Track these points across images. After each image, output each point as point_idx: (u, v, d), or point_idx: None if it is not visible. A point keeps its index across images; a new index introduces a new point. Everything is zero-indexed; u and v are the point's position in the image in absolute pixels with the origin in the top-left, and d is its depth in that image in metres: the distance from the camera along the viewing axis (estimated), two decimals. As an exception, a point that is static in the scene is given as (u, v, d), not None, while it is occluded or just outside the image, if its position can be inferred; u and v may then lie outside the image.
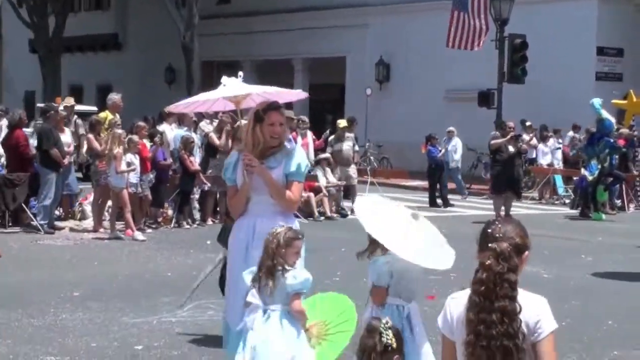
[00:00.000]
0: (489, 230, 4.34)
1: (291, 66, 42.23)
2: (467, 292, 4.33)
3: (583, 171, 23.34)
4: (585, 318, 10.67)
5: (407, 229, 5.96)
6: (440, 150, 25.77)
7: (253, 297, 6.37)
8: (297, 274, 6.28)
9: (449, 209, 24.47)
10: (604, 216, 22.90)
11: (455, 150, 27.52)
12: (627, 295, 12.60)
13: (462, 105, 33.46)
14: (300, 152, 7.19)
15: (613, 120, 22.98)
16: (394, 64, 38.47)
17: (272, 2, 42.13)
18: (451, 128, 27.74)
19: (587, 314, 10.93)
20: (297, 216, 20.87)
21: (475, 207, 24.92)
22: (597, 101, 22.40)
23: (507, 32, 29.28)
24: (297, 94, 7.82)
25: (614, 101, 23.31)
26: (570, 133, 29.23)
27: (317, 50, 40.05)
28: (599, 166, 22.80)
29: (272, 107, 7.03)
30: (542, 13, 32.41)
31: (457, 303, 4.37)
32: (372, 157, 34.35)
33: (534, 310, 4.28)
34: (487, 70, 30.18)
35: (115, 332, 9.59)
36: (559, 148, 28.85)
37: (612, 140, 22.87)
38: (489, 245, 4.27)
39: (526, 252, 4.38)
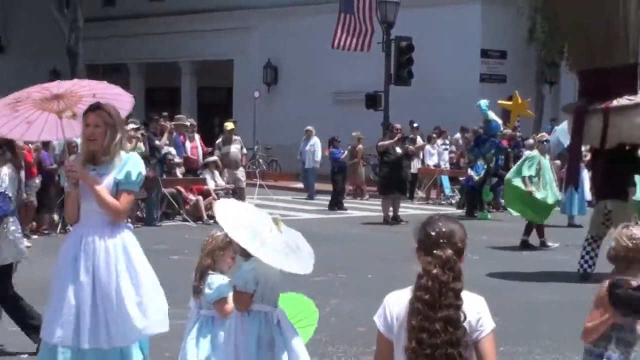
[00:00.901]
0: (433, 234, 4.31)
1: (179, 69, 41.96)
2: (407, 291, 4.32)
3: (470, 171, 23.71)
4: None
5: (267, 233, 5.91)
6: (343, 153, 25.88)
7: (192, 304, 6.49)
8: (212, 283, 6.32)
9: (339, 210, 24.57)
10: (489, 215, 23.30)
11: (314, 150, 27.82)
12: (513, 293, 12.83)
13: (350, 107, 33.67)
14: (134, 160, 6.67)
15: (500, 121, 23.44)
16: (281, 66, 38.53)
17: (158, 4, 41.80)
18: (309, 128, 28.11)
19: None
20: (185, 220, 20.78)
21: (365, 209, 25.08)
22: (484, 102, 22.81)
23: (393, 35, 29.57)
24: (124, 101, 7.06)
25: (499, 102, 23.71)
26: (457, 135, 29.66)
27: (204, 53, 39.88)
28: (485, 166, 23.21)
29: (91, 107, 6.59)
30: (427, 16, 32.82)
31: (396, 302, 4.36)
32: (260, 160, 34.35)
33: (475, 308, 4.32)
34: (375, 72, 30.43)
35: (-1, 341, 9.39)
36: (446, 149, 29.27)
37: (497, 141, 23.32)
38: (434, 252, 4.25)
39: (464, 254, 4.41)
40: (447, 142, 29.54)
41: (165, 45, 40.50)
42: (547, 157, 18.03)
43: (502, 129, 23.92)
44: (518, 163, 18.40)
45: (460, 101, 31.65)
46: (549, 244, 17.69)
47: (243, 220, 5.90)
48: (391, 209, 21.55)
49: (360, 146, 27.97)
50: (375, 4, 30.14)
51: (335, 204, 24.80)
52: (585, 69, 13.82)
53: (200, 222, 20.60)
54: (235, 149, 22.77)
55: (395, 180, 21.28)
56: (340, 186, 25.42)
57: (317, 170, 28.14)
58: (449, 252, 4.25)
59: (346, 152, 26.29)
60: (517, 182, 17.60)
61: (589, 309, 10.55)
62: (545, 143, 18.14)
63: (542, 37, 33.05)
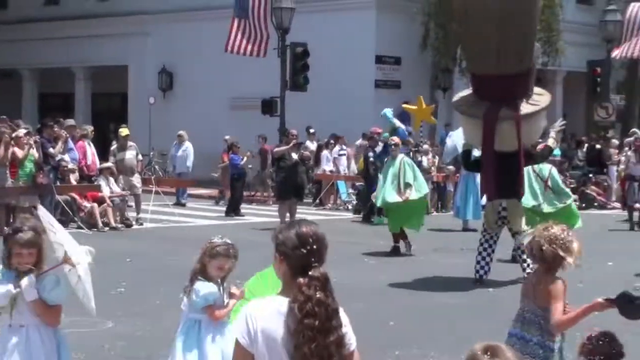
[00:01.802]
0: (304, 251, 4.15)
1: (72, 74, 41.37)
2: (269, 302, 4.18)
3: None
4: (368, 320, 10.91)
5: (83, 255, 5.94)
6: (242, 159, 25.73)
7: (183, 306, 6.56)
8: (198, 290, 6.37)
9: (236, 216, 24.51)
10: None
11: (187, 155, 27.71)
12: (409, 296, 12.99)
13: (247, 113, 33.58)
14: None
15: (404, 127, 23.78)
16: (177, 72, 38.27)
17: (52, 8, 41.20)
18: (181, 132, 27.98)
19: (370, 316, 11.20)
20: (80, 227, 20.52)
21: (262, 215, 25.08)
22: (389, 111, 23.09)
23: (289, 41, 29.63)
24: None
25: (404, 106, 23.96)
26: (359, 141, 29.68)
27: (98, 58, 39.37)
28: None
29: None
30: (322, 22, 32.96)
31: (260, 314, 4.15)
32: (156, 166, 34.05)
33: (344, 322, 4.21)
34: (271, 78, 30.43)
35: None
36: (343, 154, 29.41)
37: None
38: (310, 274, 4.11)
39: None
40: (344, 147, 29.67)
41: (59, 50, 39.89)
42: (399, 159, 17.87)
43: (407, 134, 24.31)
44: None
45: (356, 107, 31.90)
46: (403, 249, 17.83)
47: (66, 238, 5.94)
48: (288, 214, 21.59)
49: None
50: (270, 9, 30.13)
51: (233, 210, 24.75)
52: (488, 74, 14.00)
53: (95, 229, 20.36)
54: (130, 155, 22.57)
55: (291, 185, 21.32)
56: (239, 192, 25.34)
57: (189, 175, 28.01)
58: (323, 270, 4.13)
59: (245, 158, 26.17)
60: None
61: (482, 310, 10.79)
62: (394, 147, 18.19)
63: (436, 43, 33.49)
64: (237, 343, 4.15)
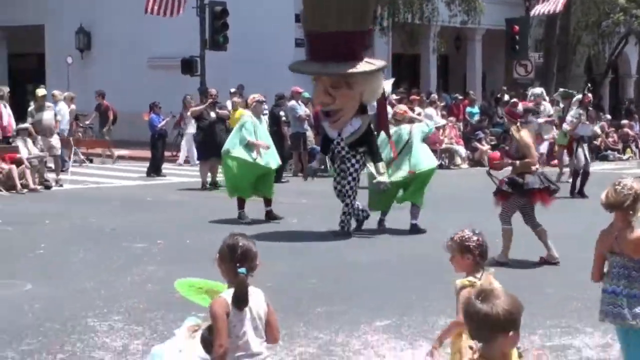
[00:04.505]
0: None
1: (-13, 35, 40.59)
2: None
3: None
4: (291, 278, 10.97)
5: None
6: (163, 119, 25.35)
7: None
8: None
9: (157, 176, 24.31)
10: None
11: (63, 116, 26.27)
12: (326, 255, 13.02)
13: (166, 73, 33.28)
14: None
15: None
16: (94, 32, 37.72)
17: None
18: (55, 92, 26.93)
19: (292, 276, 11.24)
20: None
21: (183, 175, 24.90)
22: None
23: (207, 0, 29.35)
24: None
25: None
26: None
27: (14, 18, 38.56)
28: None
29: None
30: (242, -20, 32.72)
31: None
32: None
33: None
34: (190, 37, 30.14)
35: None
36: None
37: None
38: None
39: None
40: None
41: (-29, 11, 39.06)
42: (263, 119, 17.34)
43: None
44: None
45: (277, 66, 31.70)
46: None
47: None
48: (209, 174, 21.50)
49: (73, 107, 27.65)
50: (188, -34, 29.76)
51: (154, 171, 24.52)
52: (328, 32, 14.41)
53: (14, 191, 20.08)
54: (48, 115, 22.22)
55: (211, 145, 21.04)
56: (160, 152, 25.01)
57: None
58: None
59: (167, 120, 25.75)
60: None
61: (399, 267, 10.59)
62: (259, 104, 17.23)
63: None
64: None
